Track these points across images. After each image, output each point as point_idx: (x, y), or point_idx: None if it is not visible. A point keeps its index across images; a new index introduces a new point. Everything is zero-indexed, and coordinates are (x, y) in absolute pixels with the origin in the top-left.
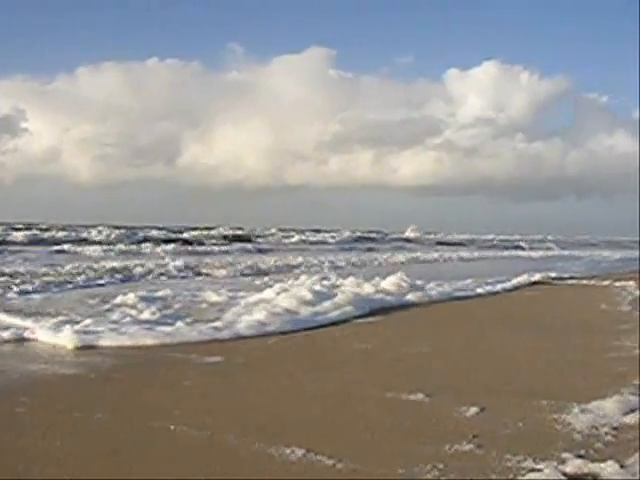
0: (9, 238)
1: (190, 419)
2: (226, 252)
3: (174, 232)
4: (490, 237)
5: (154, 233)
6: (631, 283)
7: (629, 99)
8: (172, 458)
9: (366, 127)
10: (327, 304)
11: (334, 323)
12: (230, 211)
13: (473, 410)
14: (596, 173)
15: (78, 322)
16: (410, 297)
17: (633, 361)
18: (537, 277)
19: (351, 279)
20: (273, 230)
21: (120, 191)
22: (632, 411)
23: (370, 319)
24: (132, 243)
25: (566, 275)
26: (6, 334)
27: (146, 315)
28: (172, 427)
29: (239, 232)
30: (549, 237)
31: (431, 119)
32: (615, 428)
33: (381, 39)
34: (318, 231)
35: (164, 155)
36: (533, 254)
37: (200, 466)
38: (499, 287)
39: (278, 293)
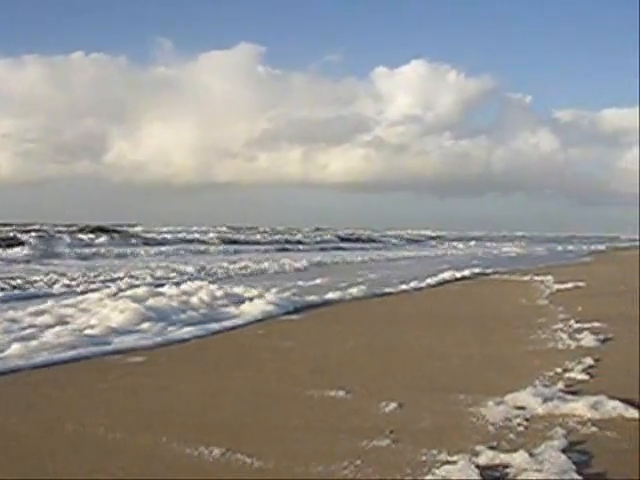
0: None
1: (106, 420)
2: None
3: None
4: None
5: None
6: (549, 277)
7: (551, 99)
8: (87, 460)
9: (295, 124)
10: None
11: (258, 321)
12: (158, 208)
13: (392, 406)
14: (520, 171)
15: None
16: (332, 295)
17: (547, 353)
18: (462, 273)
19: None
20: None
21: (43, 188)
22: (544, 402)
23: (294, 317)
24: None
25: (489, 270)
26: None
27: None
28: (88, 429)
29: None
30: (452, 233)
31: (360, 116)
32: (527, 419)
33: (310, 36)
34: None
35: (90, 151)
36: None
37: (116, 467)
38: (423, 283)
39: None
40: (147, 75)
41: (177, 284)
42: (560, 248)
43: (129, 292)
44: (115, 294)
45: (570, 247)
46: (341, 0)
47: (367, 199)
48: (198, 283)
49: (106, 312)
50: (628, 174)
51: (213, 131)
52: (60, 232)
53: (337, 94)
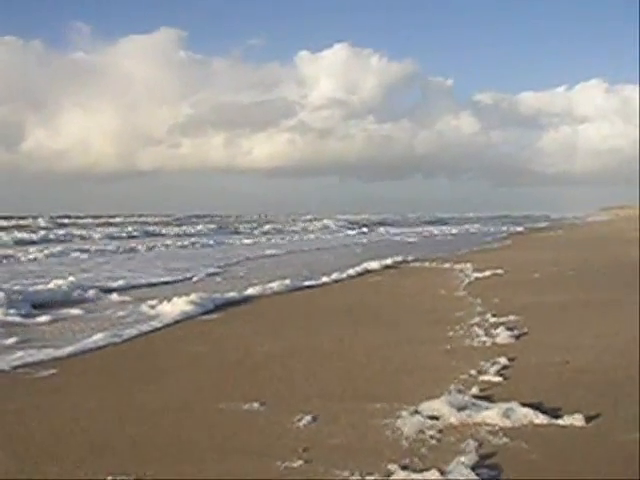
0: None
1: (7, 445)
2: None
3: None
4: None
5: None
6: (468, 265)
7: (472, 82)
8: None
9: (218, 109)
10: None
11: (176, 322)
12: (81, 197)
13: (306, 419)
14: (443, 153)
15: None
16: (252, 291)
17: (463, 353)
18: (384, 262)
19: None
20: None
21: None
22: (458, 410)
23: (214, 316)
24: None
25: (411, 258)
26: None
27: None
28: None
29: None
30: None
31: (284, 101)
32: (440, 431)
33: (232, 20)
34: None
35: (5, 140)
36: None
37: None
38: (344, 275)
39: None
40: (65, 60)
41: None
42: (481, 229)
43: None
44: None
45: (491, 229)
46: None
47: (292, 184)
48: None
49: None
50: (546, 155)
51: (135, 118)
52: None
53: (260, 79)
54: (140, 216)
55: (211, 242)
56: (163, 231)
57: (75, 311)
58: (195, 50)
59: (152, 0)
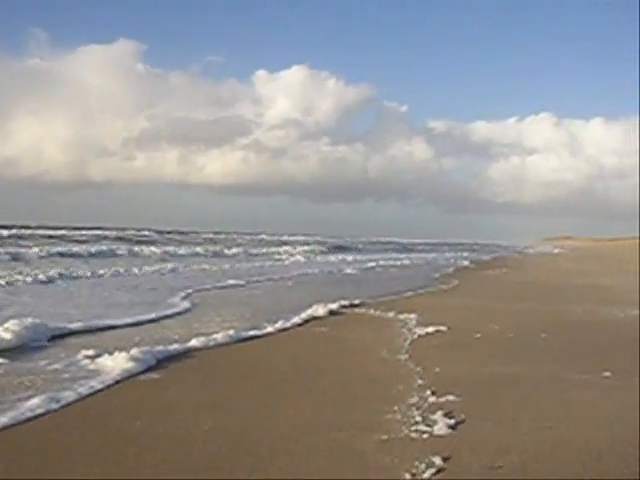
0: None
1: None
2: None
3: None
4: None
5: None
6: (412, 316)
7: (426, 109)
8: None
9: (174, 124)
10: None
11: (117, 382)
12: (29, 207)
13: None
14: (394, 178)
15: None
16: (195, 342)
17: (399, 446)
18: (329, 307)
19: None
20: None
21: None
22: None
23: (155, 375)
24: None
25: (357, 302)
26: None
27: None
28: None
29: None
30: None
31: (240, 119)
32: None
33: (191, 36)
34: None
35: None
36: None
37: None
38: (289, 323)
39: None
40: (19, 66)
41: None
42: (430, 260)
43: None
44: None
45: (440, 258)
46: (222, 1)
47: (243, 201)
48: None
49: None
50: (496, 184)
51: (89, 128)
52: None
53: (217, 96)
54: (91, 229)
55: (168, 266)
56: (120, 248)
57: None
58: (153, 64)
59: (112, 11)
